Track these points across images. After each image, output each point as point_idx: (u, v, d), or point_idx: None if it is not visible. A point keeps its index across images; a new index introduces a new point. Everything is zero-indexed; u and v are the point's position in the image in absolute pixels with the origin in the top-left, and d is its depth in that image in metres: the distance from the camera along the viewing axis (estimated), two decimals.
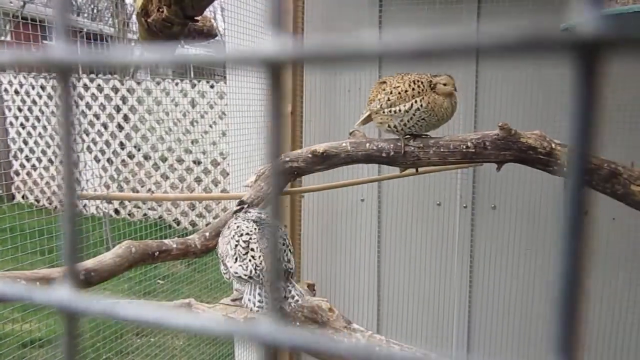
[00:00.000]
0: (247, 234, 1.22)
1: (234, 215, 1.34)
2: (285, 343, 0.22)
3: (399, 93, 1.59)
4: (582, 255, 0.17)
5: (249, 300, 1.19)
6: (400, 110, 1.58)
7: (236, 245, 1.21)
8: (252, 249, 1.20)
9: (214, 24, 1.18)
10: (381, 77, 2.40)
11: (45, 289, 0.24)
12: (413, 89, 1.58)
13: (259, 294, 1.18)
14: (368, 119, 1.71)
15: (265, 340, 0.22)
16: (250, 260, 1.19)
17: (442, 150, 1.57)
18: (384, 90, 1.63)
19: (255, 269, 1.18)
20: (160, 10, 0.91)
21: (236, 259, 1.20)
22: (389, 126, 1.62)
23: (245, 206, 1.35)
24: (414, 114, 1.58)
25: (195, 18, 1.01)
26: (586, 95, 0.17)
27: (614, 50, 0.16)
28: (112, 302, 0.24)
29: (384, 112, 1.61)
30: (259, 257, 1.19)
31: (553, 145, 1.48)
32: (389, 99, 1.60)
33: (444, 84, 1.58)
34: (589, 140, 0.17)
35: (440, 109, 1.56)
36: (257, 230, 1.22)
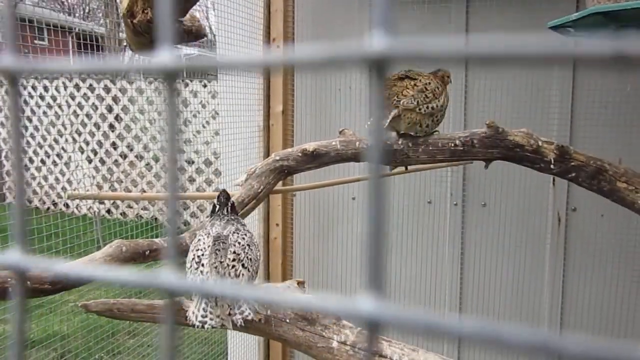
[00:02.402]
0: (202, 249, 1.24)
1: (211, 215, 1.34)
2: (181, 289, 0.26)
3: (433, 90, 1.53)
4: (383, 217, 0.21)
5: (193, 313, 1.18)
6: (436, 107, 1.52)
7: (192, 259, 1.23)
8: (203, 264, 1.21)
9: (202, 24, 1.19)
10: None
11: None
12: (441, 85, 1.55)
13: (204, 309, 1.17)
14: (394, 119, 1.53)
15: (168, 288, 0.26)
16: (199, 276, 1.19)
17: (430, 148, 1.58)
18: (415, 87, 1.52)
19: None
20: (145, 11, 0.92)
21: (190, 272, 1.21)
22: (420, 125, 1.53)
23: (224, 206, 1.34)
24: (443, 111, 1.55)
25: (180, 19, 1.02)
26: (376, 94, 0.22)
27: (395, 62, 0.21)
28: (53, 261, 0.27)
29: (419, 109, 1.50)
30: (207, 272, 1.19)
31: (540, 143, 1.50)
32: (426, 96, 1.51)
33: (448, 76, 1.61)
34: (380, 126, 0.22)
35: (448, 104, 1.59)
36: (209, 246, 1.23)
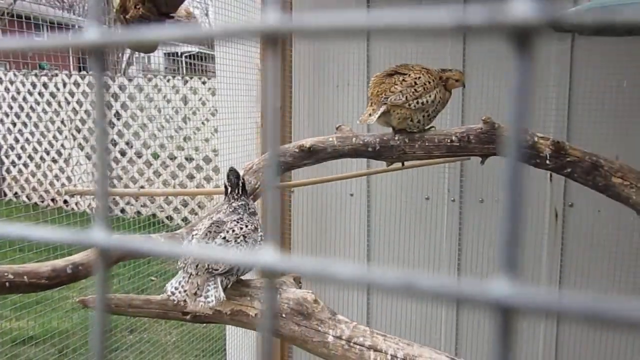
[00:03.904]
0: (197, 230, 1.31)
1: (225, 198, 1.37)
2: (112, 247, 0.27)
3: (424, 84, 1.51)
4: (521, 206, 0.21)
5: (170, 284, 1.24)
6: (427, 102, 1.51)
7: (189, 240, 1.31)
8: (192, 243, 1.29)
9: (199, 20, 1.19)
10: (370, 71, 2.42)
11: None
12: (434, 80, 1.54)
13: (179, 282, 1.23)
14: (382, 116, 1.53)
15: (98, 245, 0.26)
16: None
17: (427, 144, 1.59)
18: (403, 82, 1.51)
19: (184, 259, 1.23)
20: (137, 7, 0.93)
21: None
22: (411, 120, 1.53)
23: (236, 187, 1.35)
24: (436, 106, 1.54)
25: (171, 15, 1.02)
26: (523, 72, 0.19)
27: (542, 33, 0.18)
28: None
29: (409, 105, 1.49)
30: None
31: (535, 139, 1.50)
32: (415, 91, 1.50)
33: (457, 80, 1.60)
34: (525, 113, 0.20)
35: (444, 101, 1.59)
36: (205, 227, 1.29)
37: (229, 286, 1.27)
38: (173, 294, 1.22)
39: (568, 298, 0.18)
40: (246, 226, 1.29)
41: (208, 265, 1.21)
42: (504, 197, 0.20)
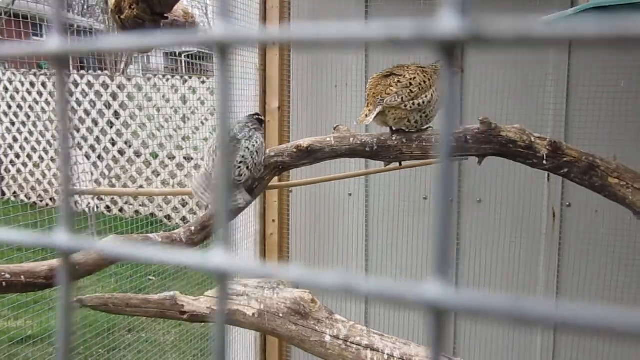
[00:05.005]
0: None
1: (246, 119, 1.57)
2: (74, 249, 0.27)
3: (419, 84, 1.52)
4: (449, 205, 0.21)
5: (198, 185, 1.48)
6: (423, 102, 1.52)
7: (208, 150, 1.54)
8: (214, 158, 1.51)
9: (196, 19, 1.19)
10: (368, 71, 2.42)
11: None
12: (430, 79, 1.54)
13: (204, 188, 1.47)
14: (379, 117, 1.54)
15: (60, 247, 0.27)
16: (211, 163, 1.50)
17: (424, 144, 1.59)
18: (399, 83, 1.52)
19: (207, 168, 1.49)
20: (132, 7, 0.93)
21: (205, 160, 1.55)
22: (408, 121, 1.53)
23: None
24: (434, 105, 1.53)
25: (165, 15, 1.02)
26: (449, 79, 0.21)
27: (469, 46, 0.19)
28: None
29: (405, 106, 1.49)
30: (213, 159, 1.51)
31: (532, 139, 1.50)
32: (411, 92, 1.51)
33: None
34: (454, 116, 0.21)
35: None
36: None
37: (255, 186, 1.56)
38: (196, 193, 1.46)
39: (492, 299, 0.20)
40: (257, 142, 1.51)
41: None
42: (435, 200, 0.21)
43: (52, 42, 0.26)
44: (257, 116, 1.59)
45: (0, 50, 0.29)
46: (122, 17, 0.96)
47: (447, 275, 0.21)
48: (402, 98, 1.49)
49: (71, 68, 6.90)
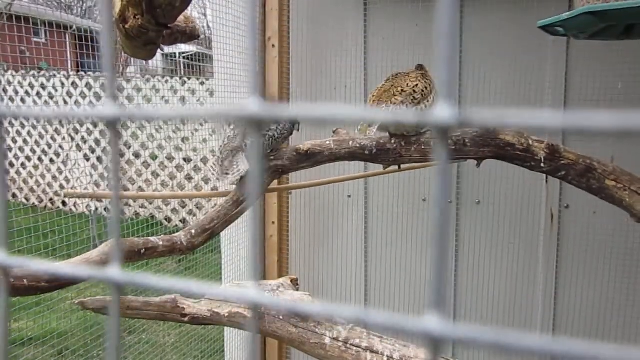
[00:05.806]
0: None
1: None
2: (128, 284, 0.27)
3: (422, 91, 1.54)
4: (447, 241, 0.25)
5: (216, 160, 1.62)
6: (426, 107, 1.54)
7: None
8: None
9: (197, 25, 1.20)
10: (367, 73, 2.43)
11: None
12: (430, 84, 1.56)
13: (214, 164, 1.62)
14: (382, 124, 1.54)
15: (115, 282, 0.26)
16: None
17: (423, 147, 1.60)
18: (403, 92, 1.54)
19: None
20: (137, 17, 0.94)
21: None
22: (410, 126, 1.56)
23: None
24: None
25: (169, 25, 1.03)
26: (442, 156, 0.25)
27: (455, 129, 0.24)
28: (33, 260, 0.28)
29: None
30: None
31: (530, 142, 1.51)
32: (414, 98, 1.53)
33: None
34: (446, 187, 0.25)
35: None
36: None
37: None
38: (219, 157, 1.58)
39: (481, 332, 0.23)
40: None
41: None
42: (433, 244, 0.24)
43: (106, 109, 0.29)
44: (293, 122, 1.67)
45: (57, 114, 0.32)
46: (126, 26, 0.97)
47: (444, 309, 0.24)
48: (406, 105, 1.52)
49: (69, 69, 6.91)
